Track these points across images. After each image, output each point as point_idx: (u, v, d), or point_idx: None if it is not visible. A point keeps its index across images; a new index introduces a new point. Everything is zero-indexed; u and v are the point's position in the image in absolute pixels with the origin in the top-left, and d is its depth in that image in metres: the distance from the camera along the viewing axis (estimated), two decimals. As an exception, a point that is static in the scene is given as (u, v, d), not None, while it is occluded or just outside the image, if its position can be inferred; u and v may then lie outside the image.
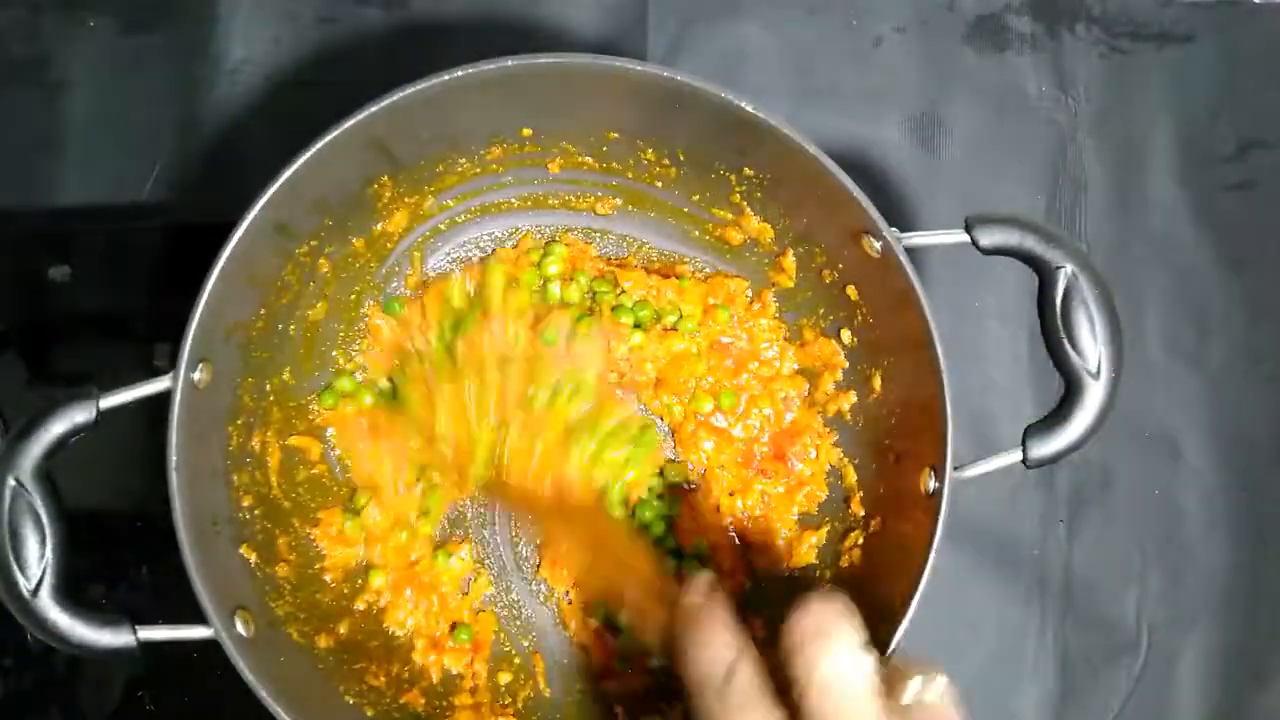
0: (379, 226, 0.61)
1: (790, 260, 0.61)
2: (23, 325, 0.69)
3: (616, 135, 0.59)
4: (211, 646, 0.49)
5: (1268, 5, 0.72)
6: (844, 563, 0.60)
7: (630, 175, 0.63)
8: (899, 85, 0.71)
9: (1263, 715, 0.68)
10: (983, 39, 0.72)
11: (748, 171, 0.58)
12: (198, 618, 0.49)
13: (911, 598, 0.50)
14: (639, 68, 0.52)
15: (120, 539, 0.64)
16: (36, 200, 0.70)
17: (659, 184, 0.63)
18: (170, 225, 0.69)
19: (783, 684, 0.39)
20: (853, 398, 0.62)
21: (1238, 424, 0.70)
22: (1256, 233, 0.71)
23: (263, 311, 0.56)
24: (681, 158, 0.60)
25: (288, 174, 0.50)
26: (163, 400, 0.50)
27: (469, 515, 0.65)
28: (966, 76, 0.71)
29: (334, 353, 0.63)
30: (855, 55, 0.72)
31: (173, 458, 0.49)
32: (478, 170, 0.62)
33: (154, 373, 0.50)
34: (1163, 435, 0.70)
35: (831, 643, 0.38)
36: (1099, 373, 0.51)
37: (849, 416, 0.62)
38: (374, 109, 0.50)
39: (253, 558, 0.55)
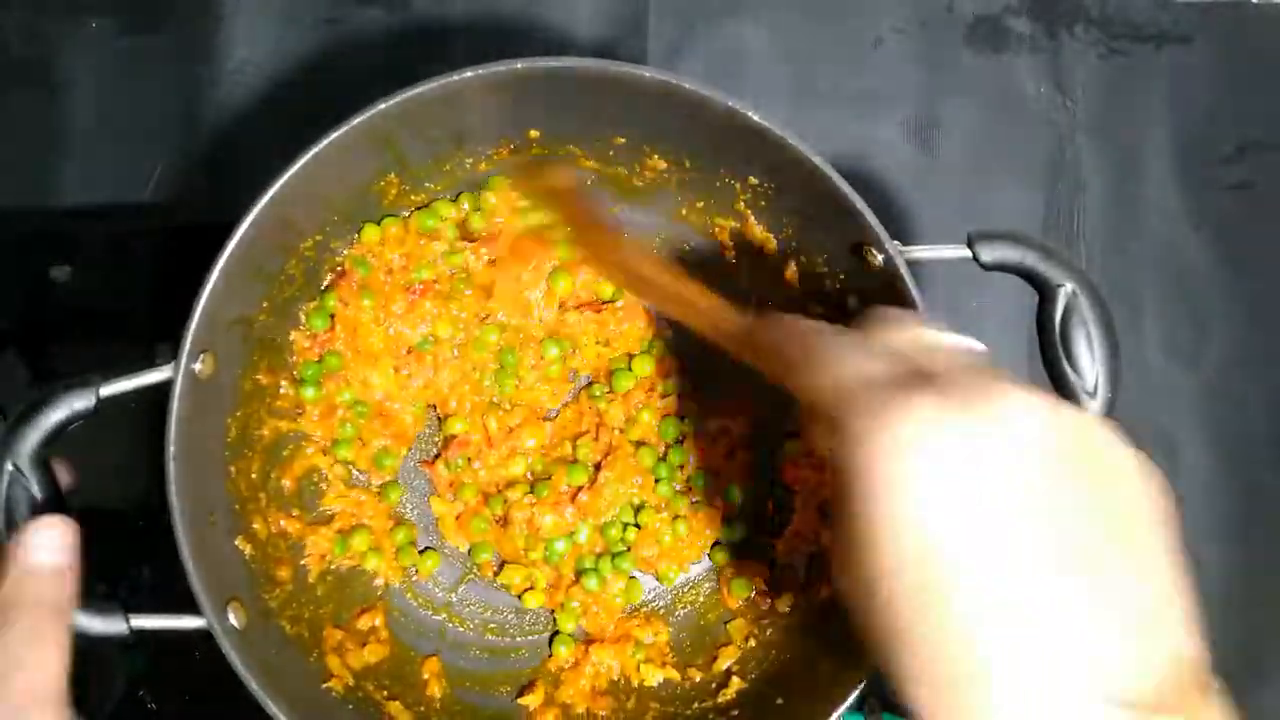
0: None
1: (793, 270, 0.61)
2: (24, 324, 0.69)
3: (623, 140, 0.60)
4: (212, 644, 0.49)
5: (1266, 6, 0.73)
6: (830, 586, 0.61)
7: (637, 181, 0.63)
8: (898, 86, 0.72)
9: (1261, 714, 0.68)
10: (981, 40, 0.72)
11: (753, 180, 0.58)
12: (194, 610, 0.49)
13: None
14: (647, 74, 0.52)
15: (122, 537, 0.64)
16: (39, 200, 0.70)
17: (665, 189, 0.63)
18: (172, 225, 0.69)
19: None
20: None
21: (1237, 424, 0.70)
22: (1255, 233, 0.71)
23: (265, 304, 0.57)
24: (687, 164, 0.60)
25: (295, 168, 0.50)
26: (163, 394, 0.50)
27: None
28: (965, 77, 0.72)
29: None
30: (854, 56, 0.72)
31: (171, 447, 0.49)
32: (486, 169, 0.62)
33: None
34: (1162, 435, 0.70)
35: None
36: (1096, 392, 0.51)
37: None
38: (384, 106, 0.51)
39: (247, 549, 0.56)
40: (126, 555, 0.65)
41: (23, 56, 0.71)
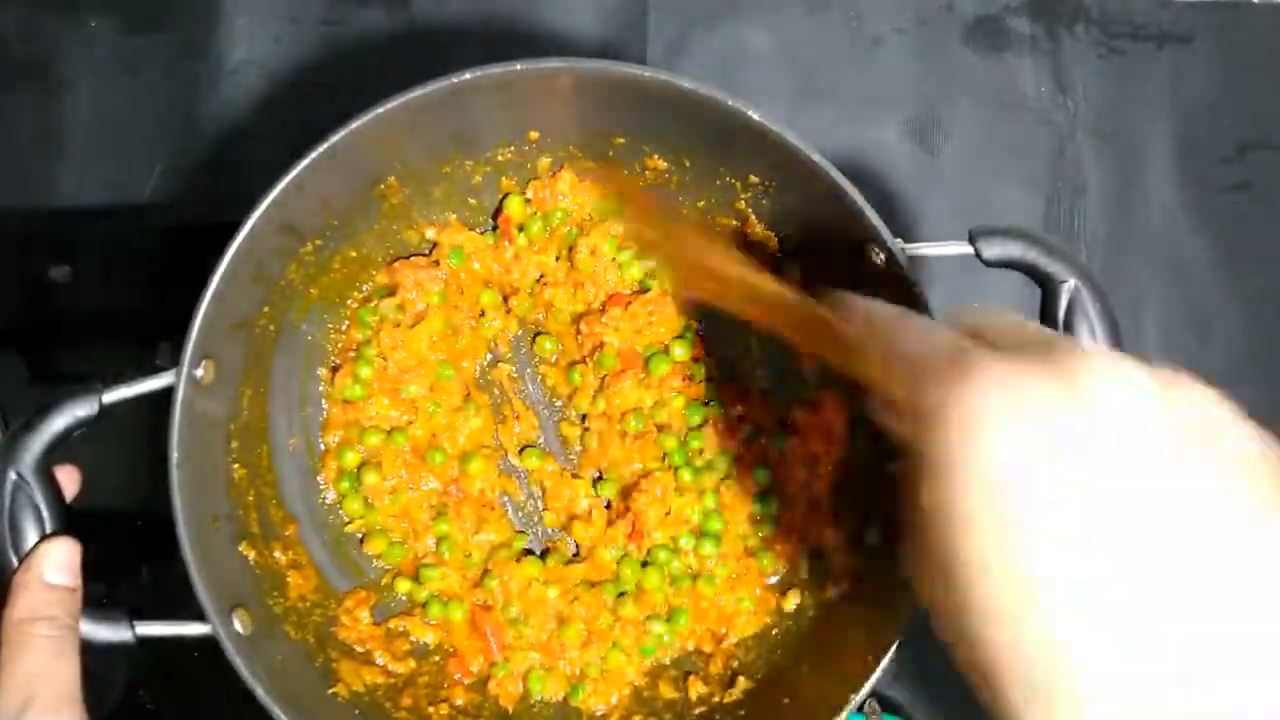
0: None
1: (794, 269, 0.62)
2: (24, 325, 0.69)
3: (623, 140, 0.60)
4: (211, 644, 0.50)
5: (1266, 5, 0.73)
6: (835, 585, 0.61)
7: (637, 181, 0.63)
8: (898, 86, 0.72)
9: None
10: (982, 40, 0.72)
11: (753, 179, 0.58)
12: (197, 615, 0.49)
13: (910, 605, 0.50)
14: (646, 74, 0.52)
15: (122, 538, 0.64)
16: (38, 200, 0.70)
17: (665, 189, 0.63)
18: (171, 226, 0.69)
19: None
20: None
21: (1236, 424, 0.70)
22: (1255, 233, 0.71)
23: (267, 310, 0.57)
24: (687, 164, 0.60)
25: (295, 173, 0.50)
26: (164, 398, 0.50)
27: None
28: (966, 77, 0.72)
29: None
30: (855, 56, 0.72)
31: (174, 454, 0.49)
32: (486, 171, 0.62)
33: (155, 372, 0.50)
34: (1162, 435, 0.70)
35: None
36: None
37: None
38: (382, 110, 0.50)
39: (251, 555, 0.56)
40: (127, 556, 0.65)
41: (23, 56, 0.71)
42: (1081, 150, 0.71)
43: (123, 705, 0.64)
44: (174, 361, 0.50)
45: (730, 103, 0.51)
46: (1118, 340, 0.51)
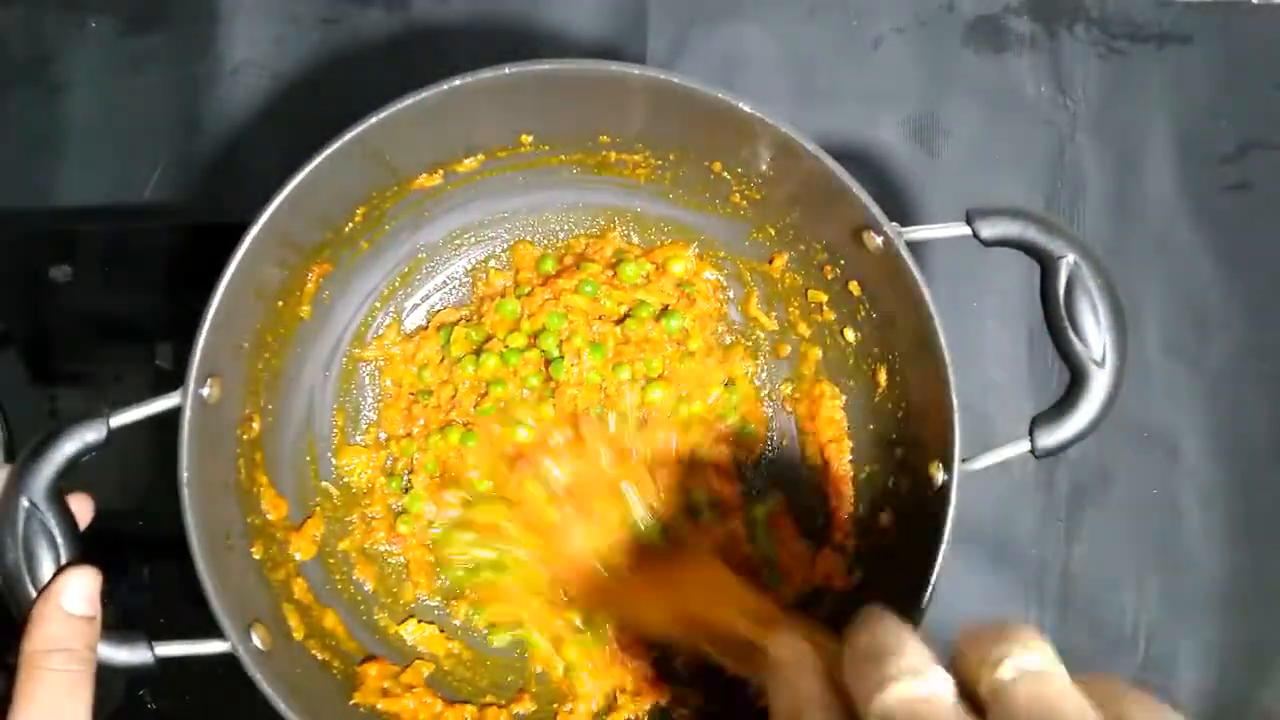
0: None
1: (785, 259, 0.62)
2: (24, 325, 0.69)
3: (617, 138, 0.60)
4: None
5: (1266, 5, 0.72)
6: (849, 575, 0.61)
7: (630, 178, 0.63)
8: (898, 86, 0.72)
9: (1261, 715, 0.68)
10: (982, 40, 0.72)
11: (744, 170, 0.58)
12: (210, 625, 0.49)
13: (924, 591, 0.50)
14: (637, 72, 0.51)
15: (122, 542, 0.64)
16: (38, 200, 0.70)
17: (659, 184, 0.63)
18: (172, 226, 0.69)
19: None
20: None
21: (1236, 424, 0.70)
22: (1255, 233, 0.71)
23: (269, 323, 0.56)
24: (681, 160, 0.60)
25: (287, 190, 0.50)
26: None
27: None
28: (965, 77, 0.72)
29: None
30: (854, 56, 0.72)
31: (184, 473, 0.49)
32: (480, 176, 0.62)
33: (156, 373, 0.50)
34: (1161, 435, 0.70)
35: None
36: (1104, 361, 0.51)
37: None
38: (372, 121, 0.50)
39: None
40: (129, 562, 0.65)
41: (23, 56, 0.71)
42: (1081, 150, 0.71)
43: (124, 706, 0.64)
44: (175, 361, 0.50)
45: (721, 95, 0.51)
46: (1120, 313, 0.51)
